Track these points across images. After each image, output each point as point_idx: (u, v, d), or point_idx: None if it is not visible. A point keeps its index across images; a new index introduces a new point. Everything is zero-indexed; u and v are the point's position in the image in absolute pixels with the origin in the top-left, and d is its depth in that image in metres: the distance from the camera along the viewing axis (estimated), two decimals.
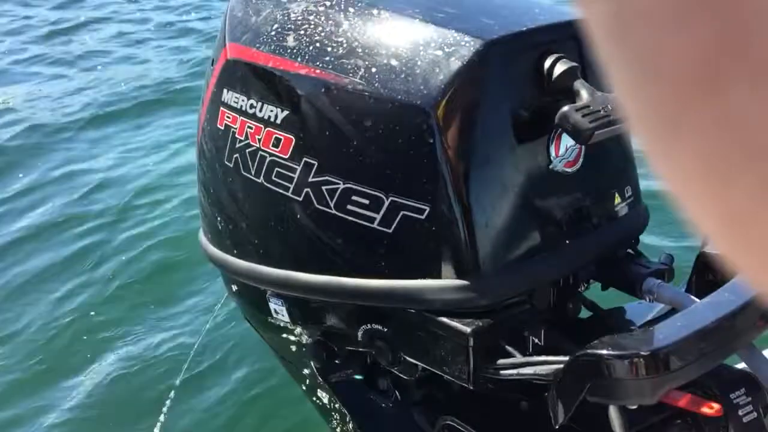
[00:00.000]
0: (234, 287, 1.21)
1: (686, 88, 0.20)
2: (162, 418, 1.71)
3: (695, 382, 0.92)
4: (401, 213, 0.88)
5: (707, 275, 0.93)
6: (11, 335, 2.42)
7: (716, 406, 0.86)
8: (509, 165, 0.89)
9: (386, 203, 0.89)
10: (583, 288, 1.01)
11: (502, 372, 0.85)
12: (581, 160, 0.93)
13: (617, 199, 0.99)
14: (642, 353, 0.74)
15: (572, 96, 0.87)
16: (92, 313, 2.44)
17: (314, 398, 1.31)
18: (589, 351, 0.76)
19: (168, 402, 1.69)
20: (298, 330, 1.14)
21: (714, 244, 0.23)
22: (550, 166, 0.91)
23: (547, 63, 0.88)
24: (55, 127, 4.14)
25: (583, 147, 0.93)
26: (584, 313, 1.07)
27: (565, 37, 0.92)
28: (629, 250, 1.01)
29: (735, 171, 0.20)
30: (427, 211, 0.87)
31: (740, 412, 0.91)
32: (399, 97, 0.87)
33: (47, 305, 2.55)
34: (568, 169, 0.92)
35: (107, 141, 4.00)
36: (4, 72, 5.28)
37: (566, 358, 0.79)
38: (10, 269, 2.81)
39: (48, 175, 3.64)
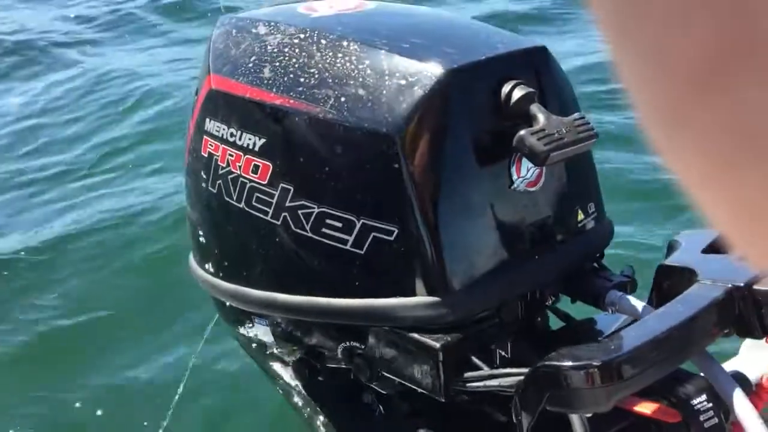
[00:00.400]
0: (221, 309, 1.26)
1: (693, 85, 0.20)
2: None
3: (658, 390, 0.97)
4: (372, 235, 0.93)
5: (666, 287, 0.97)
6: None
7: (676, 412, 0.90)
8: (473, 187, 0.94)
9: (358, 226, 0.94)
10: (551, 301, 1.05)
11: (470, 384, 0.90)
12: (542, 180, 0.98)
13: (580, 215, 1.03)
14: (595, 363, 0.78)
15: (529, 120, 0.92)
16: (85, 331, 2.48)
17: (303, 414, 1.35)
18: (547, 363, 0.81)
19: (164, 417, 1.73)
20: (282, 349, 1.19)
21: (724, 235, 0.24)
22: (512, 187, 0.95)
23: (505, 89, 0.93)
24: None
25: (544, 168, 0.98)
26: (559, 324, 1.11)
27: (523, 64, 0.97)
28: (594, 264, 1.06)
29: (744, 166, 0.20)
30: (396, 233, 0.92)
31: (701, 418, 0.95)
32: (366, 125, 0.92)
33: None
34: (530, 189, 0.97)
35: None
36: None
37: (527, 370, 0.83)
38: None
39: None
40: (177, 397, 1.73)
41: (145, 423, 1.95)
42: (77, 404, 2.14)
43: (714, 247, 0.99)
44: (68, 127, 4.19)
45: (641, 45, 0.21)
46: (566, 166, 1.02)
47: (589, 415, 0.88)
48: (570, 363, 0.79)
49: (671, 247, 1.05)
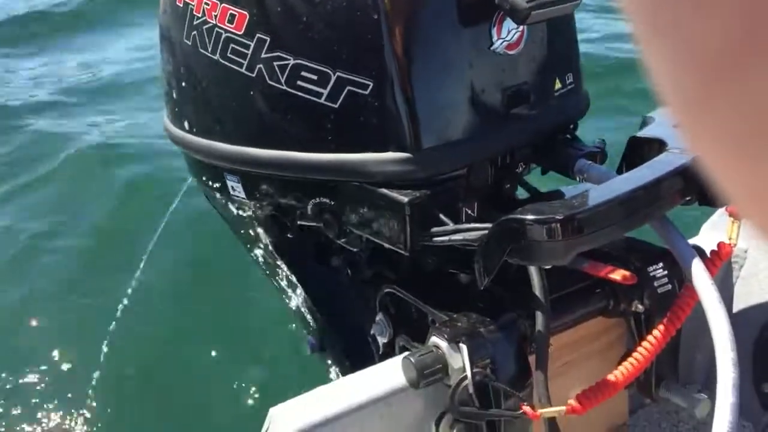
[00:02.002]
0: (194, 167, 1.26)
1: (716, 70, 0.21)
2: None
3: (617, 256, 1.00)
4: (347, 88, 0.92)
5: (636, 157, 0.98)
6: None
7: (629, 274, 0.94)
8: (452, 45, 0.92)
9: (333, 79, 0.93)
10: (521, 169, 1.06)
11: (435, 239, 0.92)
12: (522, 44, 0.97)
13: (557, 84, 1.03)
14: (557, 218, 0.80)
15: None
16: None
17: (273, 276, 1.38)
18: (511, 216, 0.82)
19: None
20: (253, 206, 1.19)
21: (744, 215, 0.24)
22: (492, 48, 0.94)
23: None
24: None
25: (525, 31, 0.97)
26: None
27: None
28: (567, 135, 1.06)
29: (763, 148, 0.21)
30: (370, 87, 0.91)
31: (655, 284, 0.99)
32: None
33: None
34: (510, 52, 0.96)
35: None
36: None
37: (491, 225, 0.85)
38: None
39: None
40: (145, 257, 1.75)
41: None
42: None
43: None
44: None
45: (666, 29, 0.22)
46: (548, 33, 1.00)
47: (548, 267, 0.91)
48: (532, 216, 0.81)
49: (644, 122, 1.06)
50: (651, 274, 0.99)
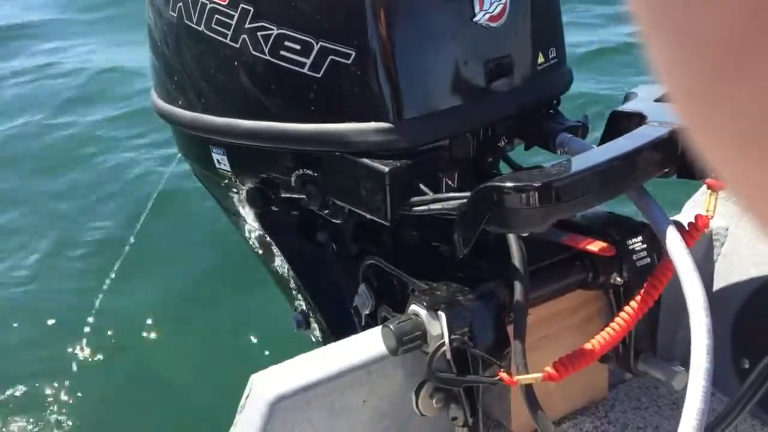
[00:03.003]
0: (180, 140, 1.27)
1: (722, 62, 0.20)
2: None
3: (596, 229, 1.01)
4: (329, 58, 0.93)
5: (617, 131, 0.99)
6: None
7: (608, 246, 0.95)
8: (434, 15, 0.93)
9: (316, 48, 0.93)
10: (503, 143, 1.07)
11: (414, 209, 0.92)
12: (505, 16, 0.97)
13: (540, 58, 1.04)
14: (534, 185, 0.81)
15: None
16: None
17: (258, 251, 1.39)
18: (489, 184, 0.83)
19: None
20: (238, 179, 1.20)
21: (751, 214, 0.23)
22: (474, 19, 0.95)
23: None
24: None
25: (508, 3, 0.97)
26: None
27: None
28: (550, 110, 1.07)
29: None
30: (353, 56, 0.91)
31: (634, 257, 1.00)
32: None
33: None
34: (492, 24, 0.96)
35: None
36: None
37: (470, 194, 0.85)
38: None
39: None
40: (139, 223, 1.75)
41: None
42: None
43: (667, 97, 1.01)
44: None
45: (672, 23, 0.21)
46: (531, 6, 1.01)
47: (525, 236, 0.92)
48: (510, 183, 0.82)
49: (627, 97, 1.07)
50: (630, 247, 1.00)
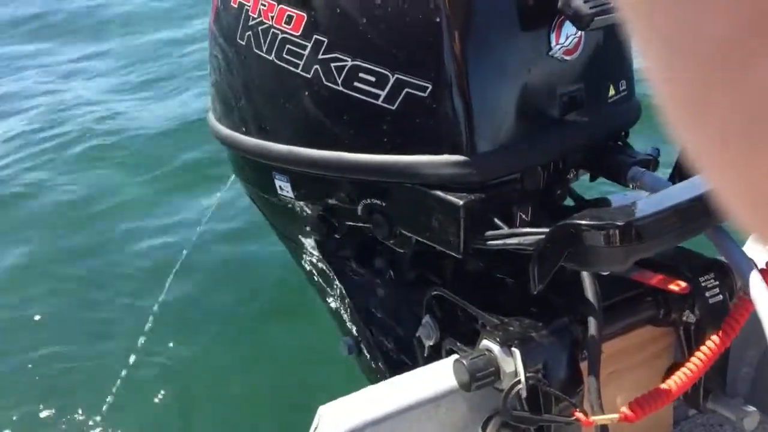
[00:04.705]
0: (240, 166, 1.27)
1: (714, 64, 0.20)
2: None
3: (669, 266, 0.99)
4: (405, 90, 0.93)
5: (688, 166, 0.98)
6: None
7: (683, 284, 0.93)
8: (510, 50, 0.93)
9: (391, 80, 0.93)
10: (572, 175, 1.06)
11: (489, 243, 0.92)
12: (580, 49, 0.97)
13: (611, 91, 1.03)
14: (617, 224, 0.80)
15: None
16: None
17: (314, 276, 1.39)
18: (569, 221, 0.82)
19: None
20: (301, 206, 1.20)
21: (740, 220, 0.23)
22: (550, 53, 0.94)
23: None
24: None
25: (582, 37, 0.97)
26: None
27: None
28: (618, 142, 1.06)
29: (762, 145, 0.20)
30: (429, 89, 0.91)
31: (707, 294, 0.99)
32: None
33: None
34: (567, 57, 0.96)
35: None
36: None
37: (548, 229, 0.85)
38: None
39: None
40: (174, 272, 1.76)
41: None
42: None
43: None
44: None
45: (664, 25, 0.21)
46: (604, 39, 1.00)
47: (604, 274, 0.91)
48: (591, 222, 0.81)
49: None
50: (702, 284, 0.99)
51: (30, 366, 2.12)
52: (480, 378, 0.89)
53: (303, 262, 1.38)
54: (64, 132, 3.38)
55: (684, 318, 0.99)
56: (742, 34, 0.19)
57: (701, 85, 0.21)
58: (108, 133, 3.27)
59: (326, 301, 1.42)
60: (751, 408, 1.01)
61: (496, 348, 0.90)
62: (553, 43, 0.94)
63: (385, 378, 1.10)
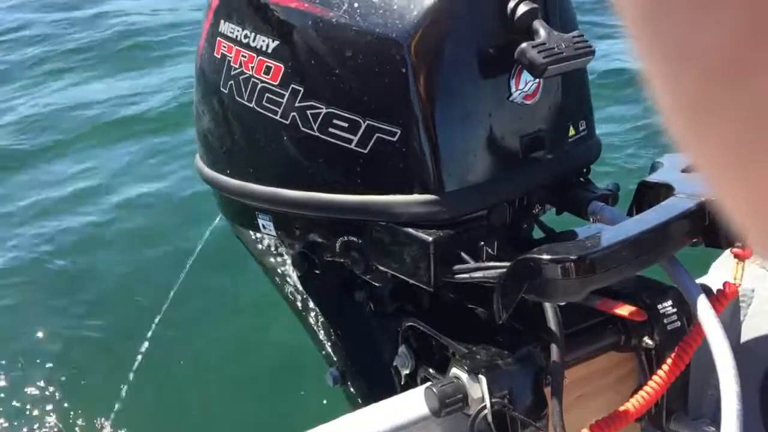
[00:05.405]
0: (226, 207, 1.33)
1: (717, 73, 0.20)
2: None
3: (628, 294, 1.06)
4: (376, 135, 1.00)
5: (645, 201, 1.05)
6: None
7: (641, 311, 0.99)
8: (473, 95, 1.00)
9: (363, 126, 1.00)
10: (537, 210, 1.13)
11: (457, 276, 0.98)
12: (539, 94, 1.04)
13: (571, 131, 1.10)
14: (571, 257, 0.86)
15: (532, 34, 0.97)
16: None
17: (298, 310, 1.44)
18: (528, 256, 0.89)
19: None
20: (282, 243, 1.26)
21: (743, 229, 0.23)
22: (510, 99, 1.02)
23: (511, 4, 0.98)
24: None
25: (541, 82, 1.04)
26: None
27: None
28: (580, 178, 1.13)
29: (765, 154, 0.20)
30: (398, 134, 0.98)
31: (665, 321, 1.05)
32: (377, 30, 0.98)
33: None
34: (527, 102, 1.03)
35: None
36: None
37: (509, 263, 0.91)
38: None
39: None
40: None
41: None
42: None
43: (692, 168, 1.07)
44: None
45: (666, 34, 0.21)
46: (562, 83, 1.08)
47: (562, 304, 0.97)
48: (548, 256, 0.87)
49: (653, 167, 1.13)
50: (661, 311, 1.04)
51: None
52: (449, 404, 0.94)
53: (288, 296, 1.43)
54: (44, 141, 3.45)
55: (644, 344, 1.05)
56: (747, 41, 0.19)
57: (704, 94, 0.21)
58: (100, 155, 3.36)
59: (311, 333, 1.47)
60: (711, 428, 1.07)
61: (464, 375, 0.96)
62: (513, 89, 1.01)
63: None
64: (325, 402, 1.64)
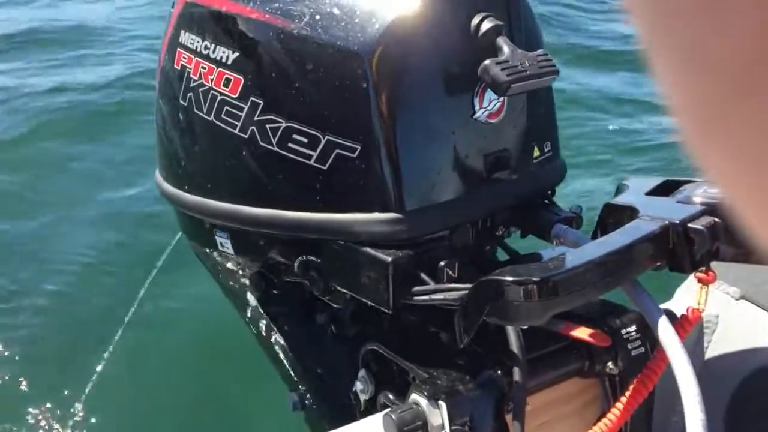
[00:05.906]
0: (184, 222, 1.29)
1: (734, 84, 0.20)
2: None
3: (592, 319, 1.03)
4: (335, 151, 0.97)
5: (609, 223, 1.03)
6: None
7: (604, 336, 0.97)
8: (436, 112, 0.98)
9: (322, 142, 0.97)
10: (501, 232, 1.10)
11: (416, 298, 0.95)
12: (503, 113, 1.02)
13: (536, 152, 1.08)
14: (534, 279, 0.83)
15: (495, 52, 0.95)
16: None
17: (255, 330, 1.40)
18: (491, 277, 0.86)
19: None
20: (241, 262, 1.22)
21: (759, 238, 0.23)
22: (474, 117, 0.99)
23: (475, 20, 0.96)
24: None
25: (506, 101, 1.02)
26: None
27: None
28: (545, 200, 1.11)
29: None
30: (358, 150, 0.95)
31: (629, 346, 1.02)
32: (338, 43, 0.95)
33: None
34: (491, 120, 1.01)
35: None
36: None
37: (470, 285, 0.88)
38: None
39: None
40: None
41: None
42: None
43: (657, 191, 1.06)
44: None
45: (679, 44, 0.21)
46: (527, 103, 1.06)
47: (524, 328, 0.94)
48: (510, 278, 0.84)
49: (619, 190, 1.11)
50: (625, 336, 1.02)
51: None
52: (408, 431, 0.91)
53: (247, 317, 1.39)
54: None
55: (608, 369, 1.03)
56: (762, 52, 0.19)
57: (718, 105, 0.21)
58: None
59: (271, 357, 1.43)
60: None
61: (423, 401, 0.92)
62: (477, 107, 0.99)
63: None
64: (286, 429, 1.59)
